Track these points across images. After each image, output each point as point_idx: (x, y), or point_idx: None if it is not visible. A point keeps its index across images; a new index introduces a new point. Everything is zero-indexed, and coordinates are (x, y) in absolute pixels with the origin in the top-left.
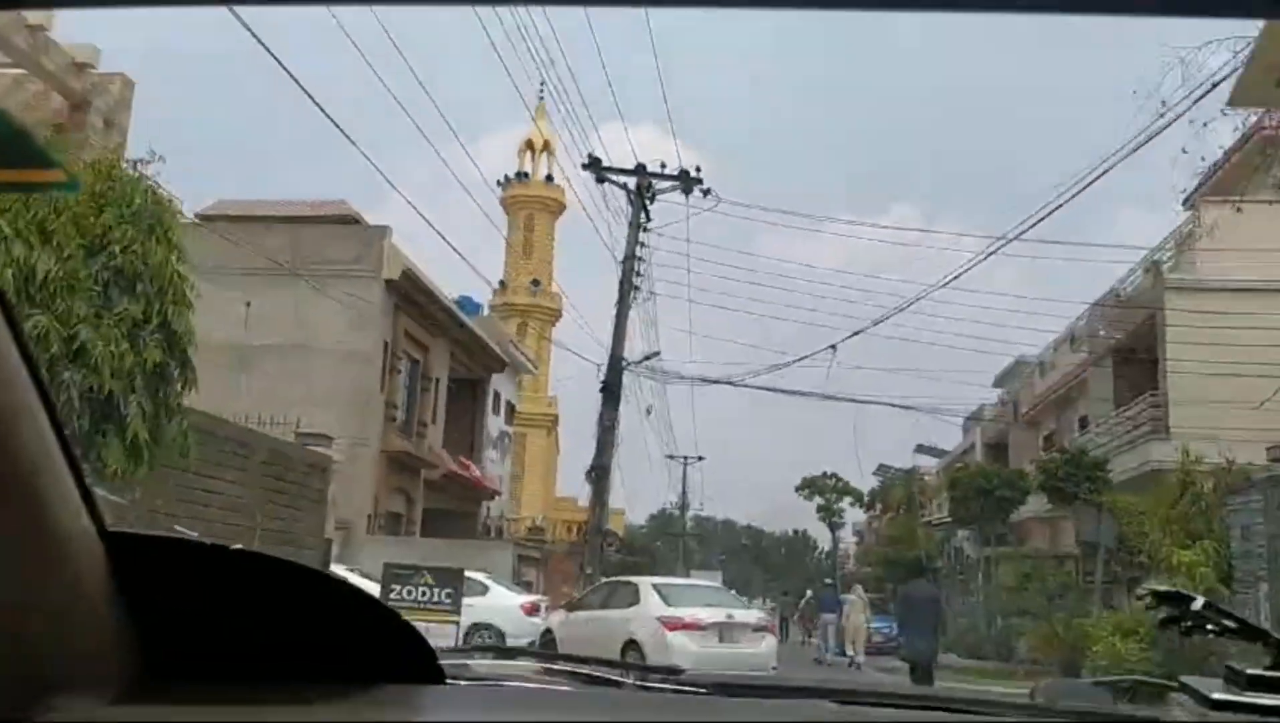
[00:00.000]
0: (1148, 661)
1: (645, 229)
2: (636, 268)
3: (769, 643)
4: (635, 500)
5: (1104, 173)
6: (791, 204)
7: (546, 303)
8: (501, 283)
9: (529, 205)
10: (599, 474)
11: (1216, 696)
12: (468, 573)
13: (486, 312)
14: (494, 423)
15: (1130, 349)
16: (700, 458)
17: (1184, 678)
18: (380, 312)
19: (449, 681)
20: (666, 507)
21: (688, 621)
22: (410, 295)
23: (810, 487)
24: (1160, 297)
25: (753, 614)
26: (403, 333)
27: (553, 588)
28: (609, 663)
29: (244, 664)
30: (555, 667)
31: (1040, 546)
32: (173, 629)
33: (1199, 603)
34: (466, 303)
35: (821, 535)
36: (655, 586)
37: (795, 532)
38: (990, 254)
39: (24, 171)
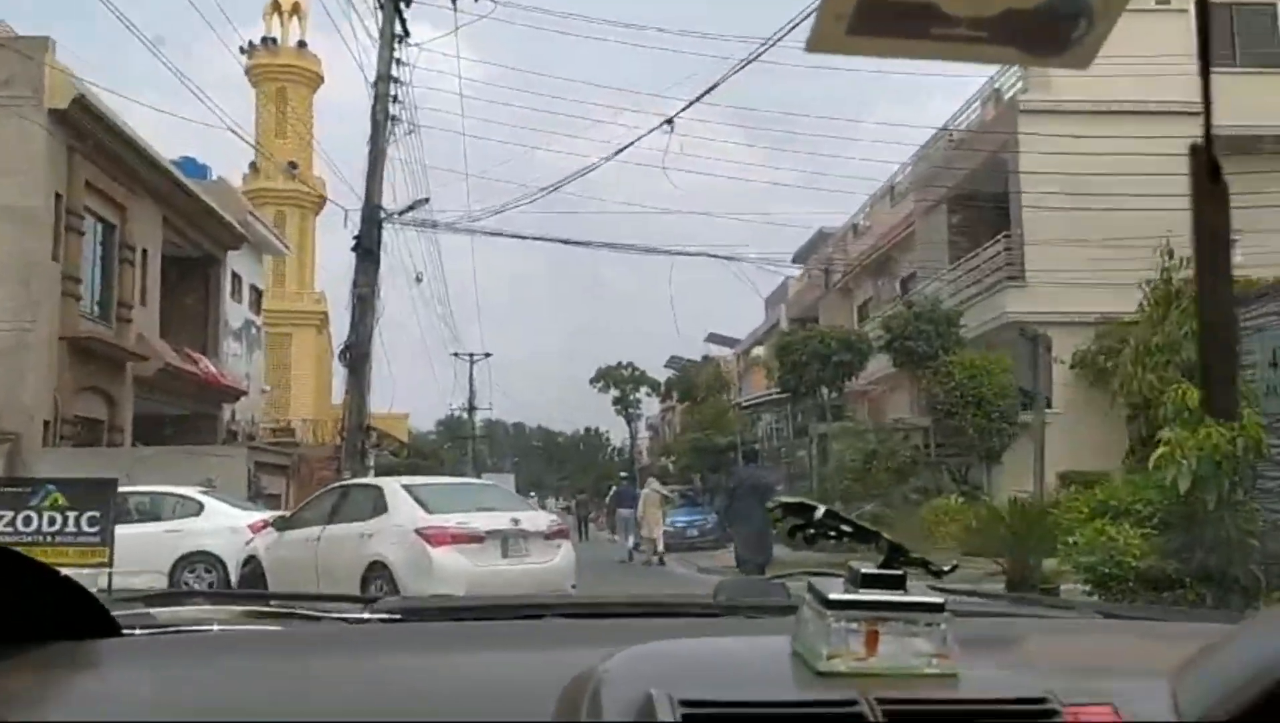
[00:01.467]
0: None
1: (403, 43)
2: (394, 92)
3: (566, 555)
4: (421, 406)
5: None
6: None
7: (306, 188)
8: (253, 166)
9: (279, 76)
10: (355, 355)
11: (833, 595)
12: (180, 490)
13: (215, 177)
14: (235, 311)
15: (969, 195)
16: (487, 355)
17: (811, 578)
18: (45, 153)
19: (125, 632)
20: (454, 411)
21: (456, 531)
22: (91, 134)
23: (605, 378)
24: (1013, 122)
25: (543, 518)
26: (83, 185)
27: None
28: (307, 597)
29: None
30: (245, 608)
31: (885, 415)
32: None
33: (820, 512)
34: (189, 165)
35: (616, 432)
36: (408, 487)
37: (588, 430)
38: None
39: None
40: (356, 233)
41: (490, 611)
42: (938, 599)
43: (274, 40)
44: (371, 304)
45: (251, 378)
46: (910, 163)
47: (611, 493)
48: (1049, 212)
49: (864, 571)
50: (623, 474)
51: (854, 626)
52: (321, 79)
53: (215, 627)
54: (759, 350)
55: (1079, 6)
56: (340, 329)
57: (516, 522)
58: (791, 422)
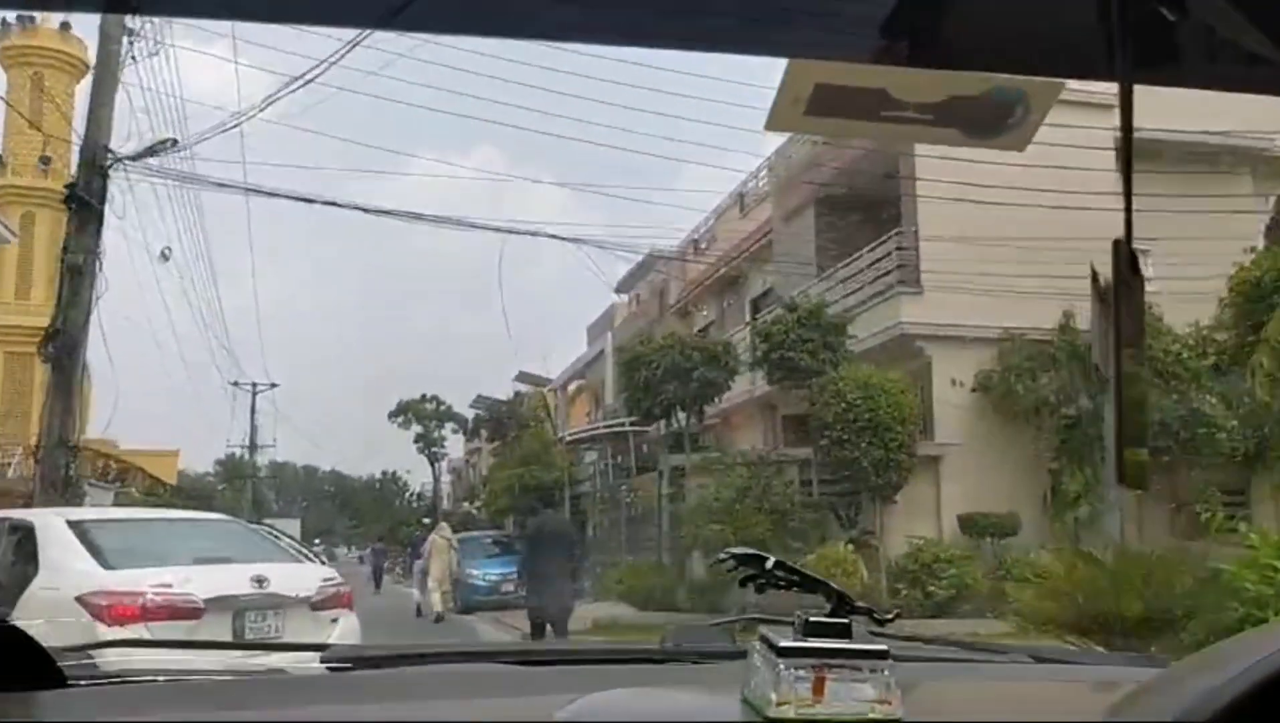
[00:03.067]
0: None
1: None
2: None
3: (347, 632)
4: (198, 444)
5: None
6: None
7: (59, 186)
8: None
9: (35, 61)
10: (60, 345)
11: (783, 643)
12: None
13: None
14: None
15: (844, 197)
16: (273, 385)
17: (762, 627)
18: None
19: (70, 683)
20: (235, 449)
21: (152, 599)
22: None
23: (406, 412)
24: None
25: (311, 576)
26: None
27: None
28: (257, 646)
29: None
30: (197, 656)
31: (737, 447)
32: None
33: (770, 562)
34: None
35: (417, 476)
36: (77, 524)
37: (385, 473)
38: None
39: None
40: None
41: (441, 657)
42: (882, 647)
43: (31, 19)
44: (89, 278)
45: None
46: (768, 165)
47: (415, 541)
48: (946, 207)
49: (811, 618)
50: (425, 520)
51: (802, 672)
52: (87, 66)
53: (161, 678)
54: (578, 384)
55: (1016, 96)
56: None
57: (262, 582)
58: (635, 454)
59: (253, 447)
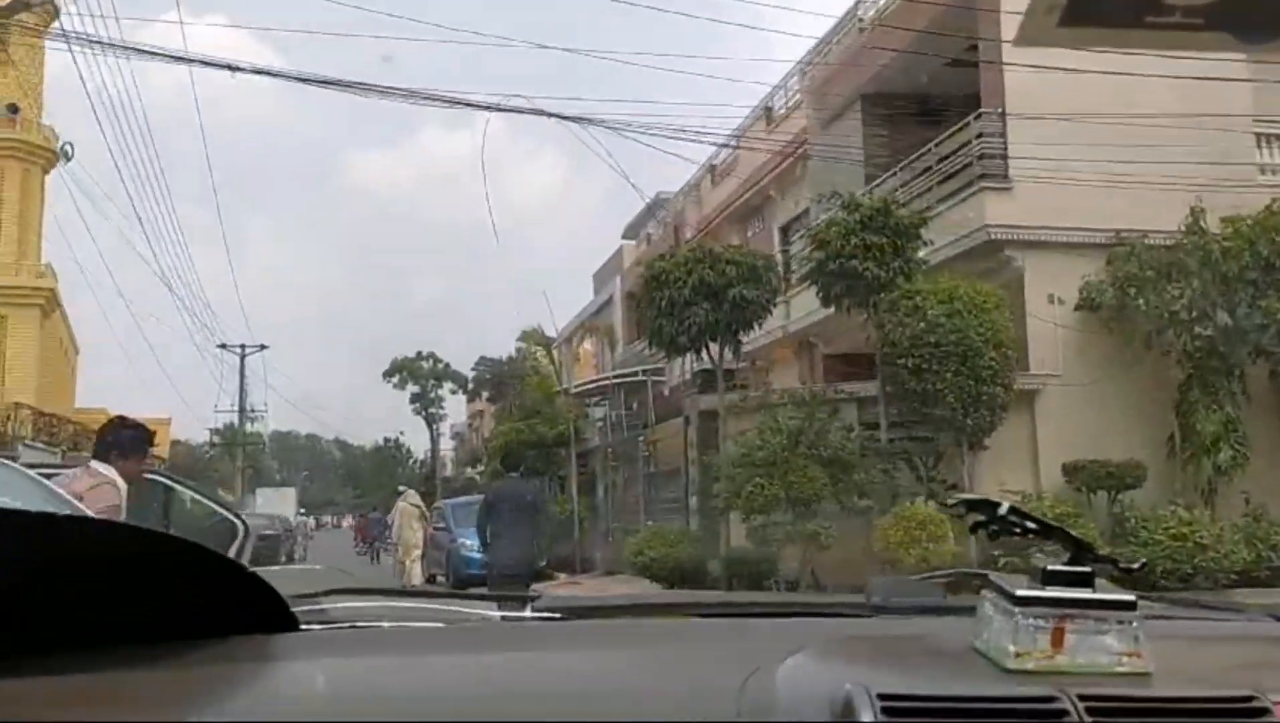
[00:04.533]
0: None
1: None
2: None
3: None
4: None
5: None
6: None
7: (30, 138)
8: None
9: None
10: None
11: (1020, 592)
12: None
13: None
14: None
15: (901, 90)
16: (262, 347)
17: (991, 575)
18: None
19: (303, 627)
20: (226, 417)
21: None
22: None
23: (402, 371)
24: None
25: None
26: None
27: None
28: (473, 596)
29: (84, 633)
30: (415, 605)
31: (790, 383)
32: (4, 606)
33: (1004, 508)
34: None
35: (421, 441)
36: None
37: (386, 440)
38: None
39: None
40: None
41: (644, 610)
42: (1129, 597)
43: None
44: None
45: None
46: (801, 69)
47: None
48: (1040, 80)
49: (1049, 567)
50: (401, 488)
51: (1042, 622)
52: (56, 9)
53: (386, 623)
54: (584, 335)
55: None
56: (81, 313)
57: None
58: (652, 404)
59: (242, 411)
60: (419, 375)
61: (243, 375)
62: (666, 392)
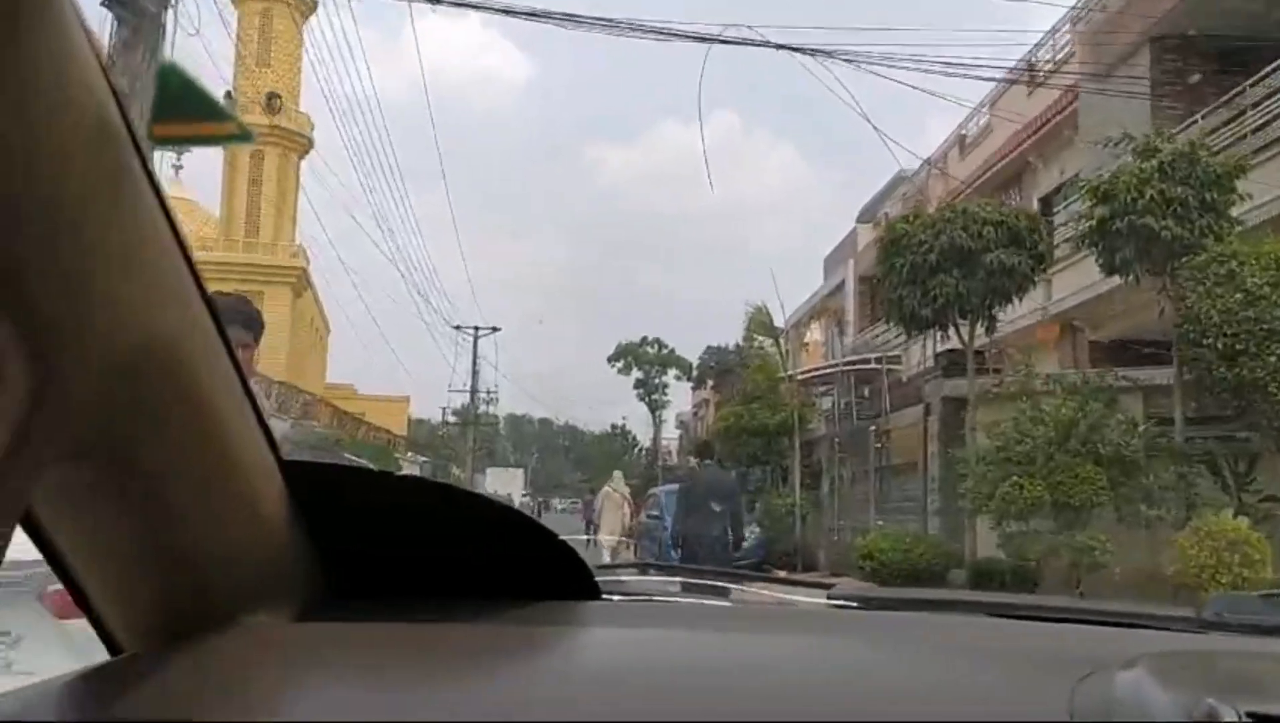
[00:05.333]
0: None
1: None
2: None
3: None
4: (433, 393)
5: None
6: None
7: (288, 125)
8: (228, 95)
9: None
10: None
11: None
12: None
13: None
14: None
15: (1197, 35)
16: (495, 329)
17: None
18: None
19: (605, 596)
20: (458, 397)
21: None
22: None
23: (625, 356)
24: None
25: None
26: None
27: None
28: (768, 579)
29: (413, 583)
30: (708, 583)
31: (1049, 367)
32: (346, 552)
33: None
34: None
35: (641, 428)
36: None
37: (614, 427)
38: None
39: (198, 125)
40: None
41: (944, 605)
42: None
43: None
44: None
45: None
46: (1076, 13)
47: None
48: None
49: None
50: (616, 472)
51: None
52: (315, 3)
53: (683, 598)
54: (811, 322)
55: None
56: (331, 294)
57: None
58: (886, 394)
59: (474, 392)
60: (643, 361)
61: (475, 357)
62: (903, 379)
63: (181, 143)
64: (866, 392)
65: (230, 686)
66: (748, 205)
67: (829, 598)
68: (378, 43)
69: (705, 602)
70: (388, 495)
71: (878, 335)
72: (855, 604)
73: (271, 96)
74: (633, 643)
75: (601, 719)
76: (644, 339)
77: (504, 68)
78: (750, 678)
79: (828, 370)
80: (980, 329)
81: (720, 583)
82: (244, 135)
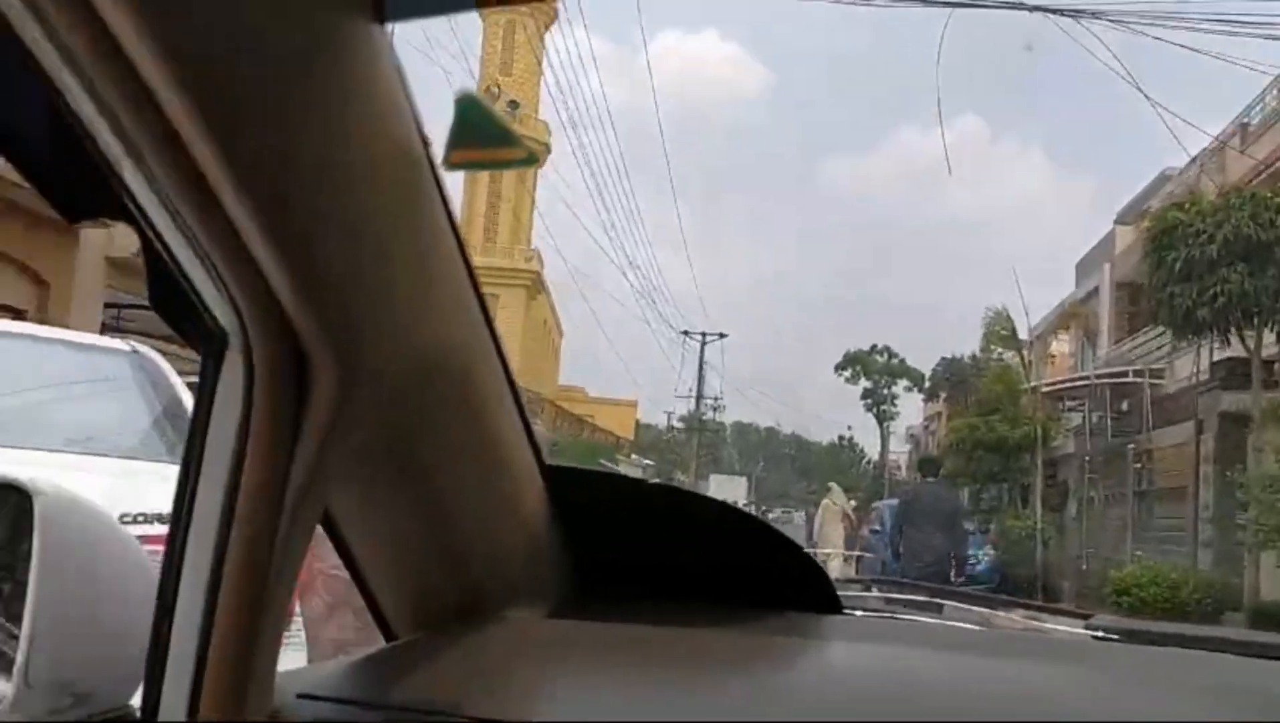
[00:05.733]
0: None
1: None
2: None
3: None
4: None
5: None
6: None
7: (528, 131)
8: (512, 104)
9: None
10: None
11: None
12: None
13: None
14: None
15: None
16: (722, 335)
17: None
18: None
19: (846, 611)
20: (686, 403)
21: None
22: None
23: (853, 364)
24: None
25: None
26: None
27: None
28: (1022, 604)
29: (655, 585)
30: (953, 604)
31: None
32: (600, 552)
33: None
34: None
35: (869, 441)
36: None
37: (842, 439)
38: None
39: (492, 151)
40: None
41: (1224, 644)
42: None
43: None
44: None
45: None
46: None
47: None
48: None
49: None
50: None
51: None
52: (555, 15)
53: (927, 618)
54: (1064, 345)
55: None
56: (564, 300)
57: None
58: (1148, 410)
59: (699, 398)
60: (871, 370)
61: (701, 363)
62: (1169, 393)
63: (476, 167)
64: (1125, 406)
65: (494, 677)
66: (989, 211)
67: (1088, 628)
68: (614, 55)
69: (954, 624)
70: (640, 500)
71: (1137, 345)
72: (1118, 637)
73: (512, 103)
74: (882, 661)
75: None
76: (873, 347)
77: (740, 79)
78: (1008, 708)
79: (1078, 382)
80: (1270, 334)
81: (966, 606)
82: (531, 159)
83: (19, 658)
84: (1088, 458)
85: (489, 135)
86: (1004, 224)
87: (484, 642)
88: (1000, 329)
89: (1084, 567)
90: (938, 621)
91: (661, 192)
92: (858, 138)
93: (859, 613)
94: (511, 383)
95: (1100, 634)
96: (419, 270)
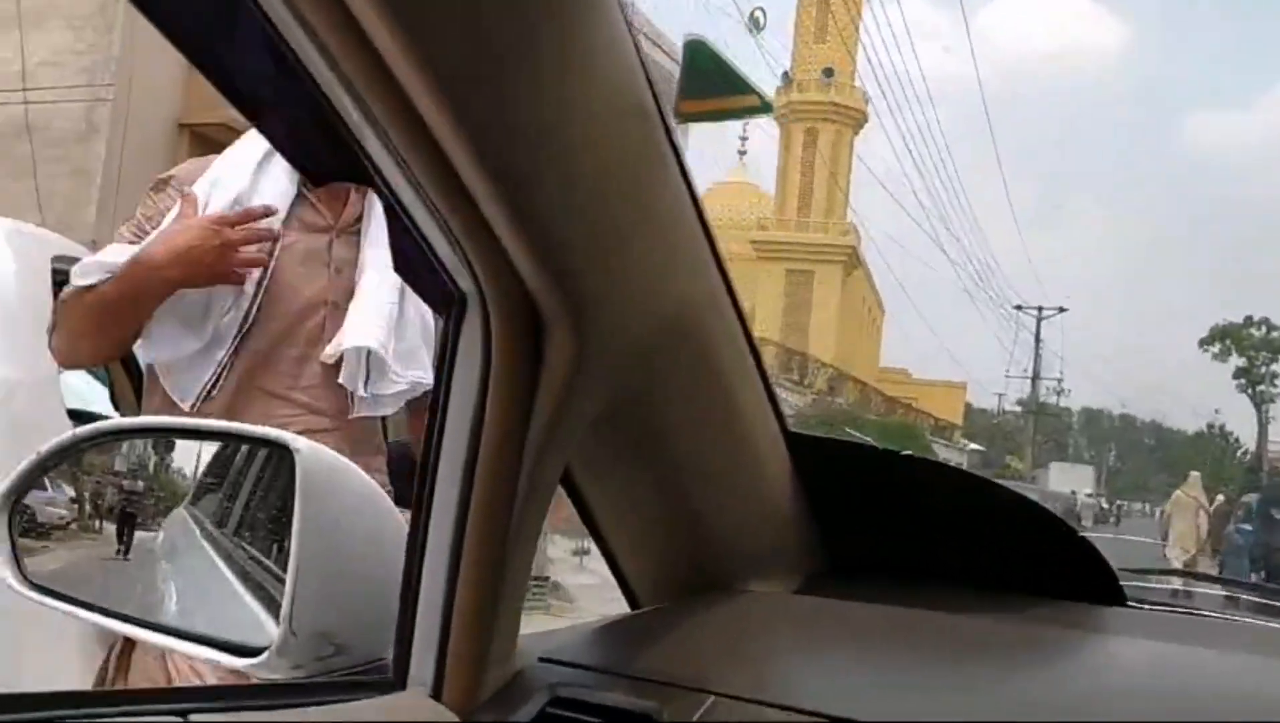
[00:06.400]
0: None
1: None
2: None
3: None
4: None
5: None
6: None
7: (843, 100)
8: (785, 76)
9: None
10: None
11: None
12: None
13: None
14: None
15: None
16: (1061, 310)
17: None
18: None
19: (1130, 603)
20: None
21: None
22: None
23: (1222, 339)
24: None
25: None
26: None
27: None
28: None
29: (912, 565)
30: (1259, 600)
31: None
32: (848, 527)
33: None
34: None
35: (1244, 428)
36: None
37: (1210, 427)
38: None
39: (723, 100)
40: None
41: None
42: None
43: None
44: None
45: None
46: None
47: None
48: None
49: None
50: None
51: None
52: None
53: (1224, 615)
54: None
55: None
56: (880, 274)
57: None
58: None
59: (1035, 379)
60: (1245, 346)
61: (1038, 340)
62: None
63: (706, 118)
64: None
65: (739, 652)
66: None
67: None
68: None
69: (1258, 623)
70: (892, 474)
71: None
72: None
73: (827, 71)
74: (1168, 658)
75: None
76: (1247, 319)
77: (1094, 35)
78: None
79: None
80: None
81: (1272, 601)
82: (765, 107)
83: (284, 607)
84: None
85: (719, 83)
86: None
87: (729, 616)
88: None
89: None
90: (1240, 617)
91: (988, 161)
92: (1230, 92)
93: (1146, 606)
94: (753, 347)
95: None
96: (655, 232)
